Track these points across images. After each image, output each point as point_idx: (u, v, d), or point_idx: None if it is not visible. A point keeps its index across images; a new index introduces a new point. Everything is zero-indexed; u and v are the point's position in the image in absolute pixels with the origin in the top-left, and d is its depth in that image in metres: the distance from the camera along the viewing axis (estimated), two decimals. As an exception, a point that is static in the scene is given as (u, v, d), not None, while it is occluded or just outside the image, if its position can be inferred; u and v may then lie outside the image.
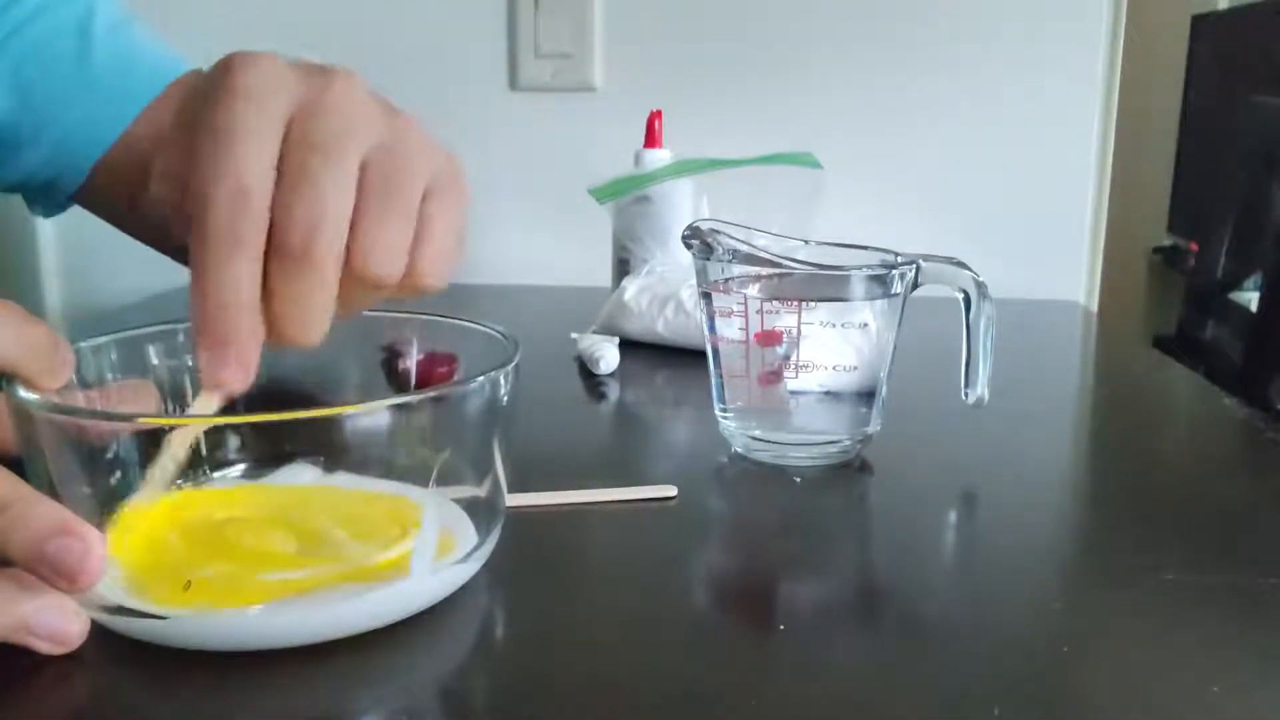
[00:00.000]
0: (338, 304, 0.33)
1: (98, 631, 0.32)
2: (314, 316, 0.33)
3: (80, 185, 0.61)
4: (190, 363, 0.41)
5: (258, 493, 0.38)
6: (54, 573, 0.30)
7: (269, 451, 0.38)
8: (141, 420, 0.34)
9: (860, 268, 0.49)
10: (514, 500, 0.39)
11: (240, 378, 0.32)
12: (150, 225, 0.63)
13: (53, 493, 0.32)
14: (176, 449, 0.32)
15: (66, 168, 0.60)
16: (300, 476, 0.38)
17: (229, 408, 0.33)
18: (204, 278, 0.31)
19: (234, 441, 0.37)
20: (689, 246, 0.51)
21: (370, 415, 0.32)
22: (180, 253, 0.68)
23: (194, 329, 0.32)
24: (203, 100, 0.33)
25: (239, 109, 0.32)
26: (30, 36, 0.59)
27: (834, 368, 0.49)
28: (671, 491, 0.46)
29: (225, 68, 0.33)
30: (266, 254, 0.32)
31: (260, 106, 0.32)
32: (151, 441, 0.33)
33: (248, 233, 0.31)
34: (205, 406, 0.32)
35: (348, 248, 0.33)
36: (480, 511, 0.37)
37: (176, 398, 0.40)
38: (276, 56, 0.34)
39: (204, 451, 0.37)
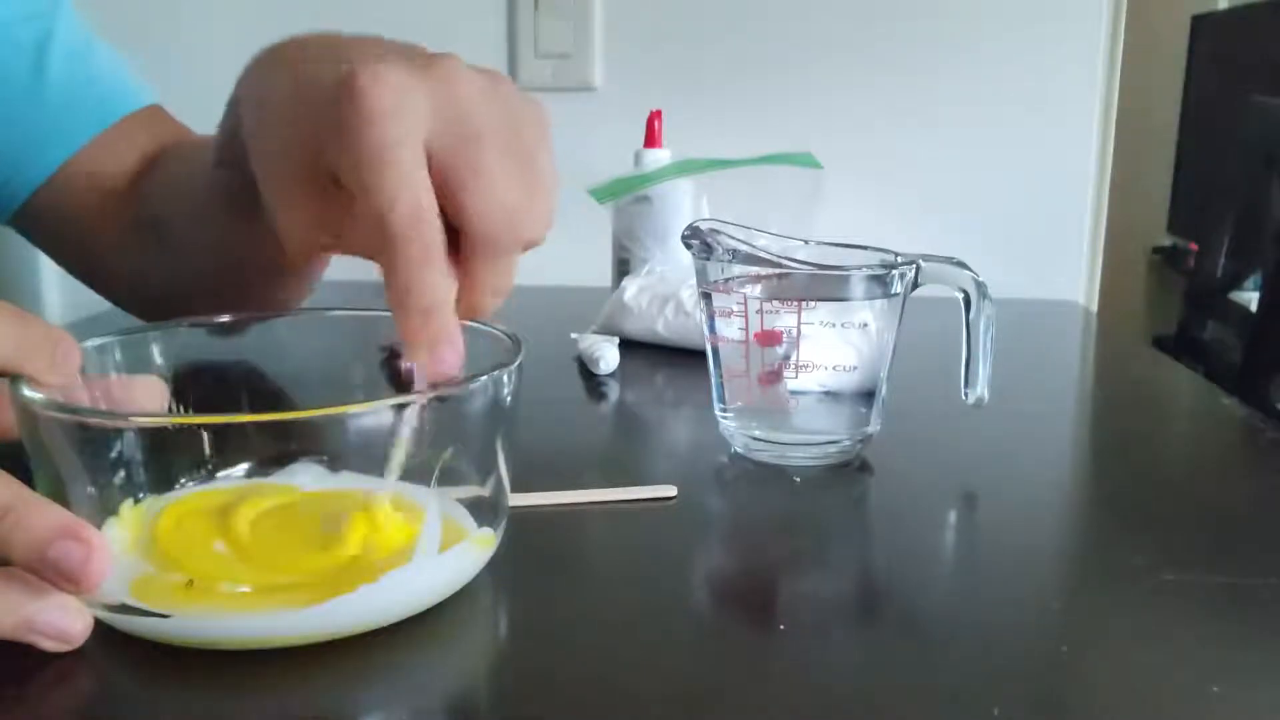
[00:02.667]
0: None
1: (101, 629, 0.32)
2: (509, 287, 0.36)
3: (22, 207, 0.61)
4: (192, 363, 0.41)
5: (261, 492, 0.38)
6: (57, 575, 0.30)
7: (273, 451, 0.38)
8: (143, 419, 0.34)
9: (860, 268, 0.49)
10: (514, 500, 0.39)
11: (460, 364, 0.34)
12: (94, 258, 0.63)
13: (57, 491, 0.32)
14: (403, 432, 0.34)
15: (7, 186, 0.61)
16: (303, 476, 0.39)
17: (235, 407, 0.33)
18: (408, 292, 0.33)
19: (238, 441, 0.37)
20: (689, 246, 0.51)
21: (374, 415, 0.33)
22: (106, 287, 0.66)
23: (405, 335, 0.34)
24: (337, 122, 0.34)
25: (388, 129, 0.33)
26: None
27: (834, 368, 0.50)
28: (671, 491, 0.46)
29: (352, 88, 0.34)
30: (458, 248, 0.35)
31: (404, 119, 0.34)
32: (155, 440, 0.33)
33: (434, 241, 0.33)
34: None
35: None
36: (484, 511, 0.37)
37: (180, 397, 0.40)
38: (392, 59, 0.35)
39: (208, 451, 0.37)
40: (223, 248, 0.53)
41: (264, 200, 0.40)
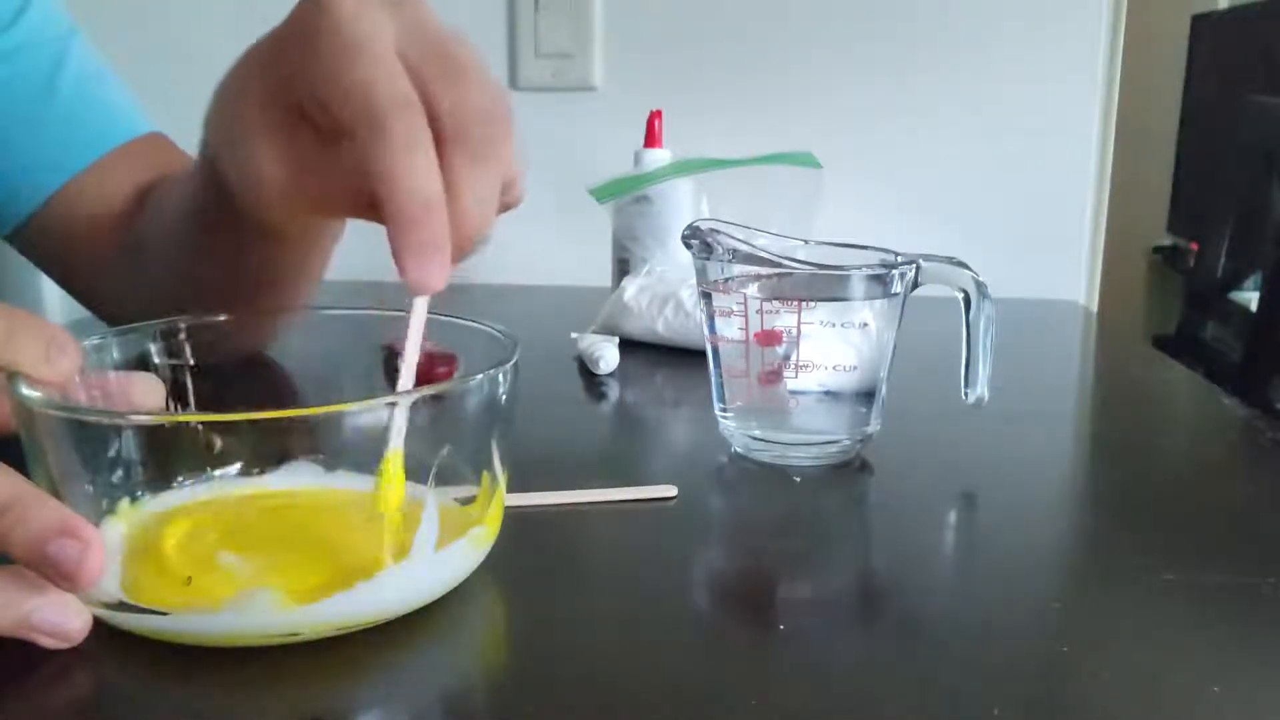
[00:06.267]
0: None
1: (99, 627, 0.32)
2: (495, 202, 0.35)
3: (20, 225, 0.62)
4: (191, 361, 0.41)
5: (258, 491, 0.38)
6: (53, 572, 0.30)
7: (270, 450, 0.38)
8: (140, 418, 0.34)
9: (860, 268, 0.49)
10: (514, 500, 0.39)
11: (445, 279, 0.32)
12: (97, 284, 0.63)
13: (54, 490, 0.32)
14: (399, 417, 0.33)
15: (8, 204, 0.61)
16: (300, 475, 0.39)
17: (231, 406, 0.33)
18: (400, 180, 0.32)
19: (234, 439, 0.37)
20: (689, 246, 0.51)
21: (370, 413, 0.32)
22: (106, 304, 0.66)
23: (397, 235, 0.32)
24: (305, 36, 0.34)
25: (363, 29, 0.33)
26: (1, 75, 0.59)
27: (834, 368, 0.49)
28: (671, 491, 0.46)
29: (317, 6, 0.34)
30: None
31: (372, 20, 0.34)
32: (152, 438, 0.33)
33: (420, 125, 0.33)
34: (420, 310, 0.34)
35: None
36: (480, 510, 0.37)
37: (178, 395, 0.40)
38: None
39: (205, 449, 0.37)
40: (196, 274, 0.53)
41: (233, 164, 0.39)
